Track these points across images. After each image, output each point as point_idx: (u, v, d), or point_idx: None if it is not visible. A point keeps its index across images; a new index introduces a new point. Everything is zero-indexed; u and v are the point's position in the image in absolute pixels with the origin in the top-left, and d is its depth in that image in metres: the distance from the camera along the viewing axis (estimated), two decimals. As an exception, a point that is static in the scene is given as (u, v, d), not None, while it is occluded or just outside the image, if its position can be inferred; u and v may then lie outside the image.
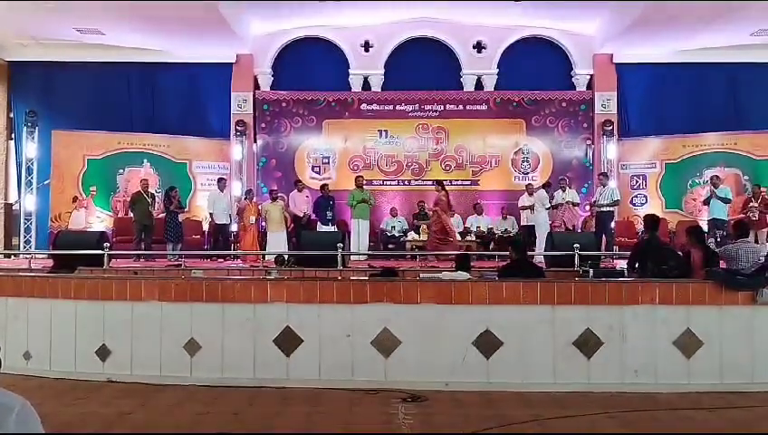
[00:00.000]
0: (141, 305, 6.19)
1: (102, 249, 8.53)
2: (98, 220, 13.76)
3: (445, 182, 14.81)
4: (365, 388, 5.74)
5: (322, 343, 5.96)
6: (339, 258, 8.16)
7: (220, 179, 13.48)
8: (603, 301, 5.91)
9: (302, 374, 5.91)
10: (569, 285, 6.10)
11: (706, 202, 12.29)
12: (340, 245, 8.32)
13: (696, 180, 14.05)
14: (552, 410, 5.25)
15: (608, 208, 12.57)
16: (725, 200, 11.88)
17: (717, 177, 12.38)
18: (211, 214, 13.20)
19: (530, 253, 8.10)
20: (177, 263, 9.92)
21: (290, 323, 5.98)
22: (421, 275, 6.99)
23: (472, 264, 7.72)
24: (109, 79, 14.65)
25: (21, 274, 7.45)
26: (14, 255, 12.75)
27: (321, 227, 12.99)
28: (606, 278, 6.96)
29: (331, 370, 5.91)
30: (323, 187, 13.53)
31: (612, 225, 13.32)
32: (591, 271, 7.49)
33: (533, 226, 12.78)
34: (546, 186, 13.29)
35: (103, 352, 6.20)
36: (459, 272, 6.66)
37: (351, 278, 6.60)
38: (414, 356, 5.88)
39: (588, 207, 13.51)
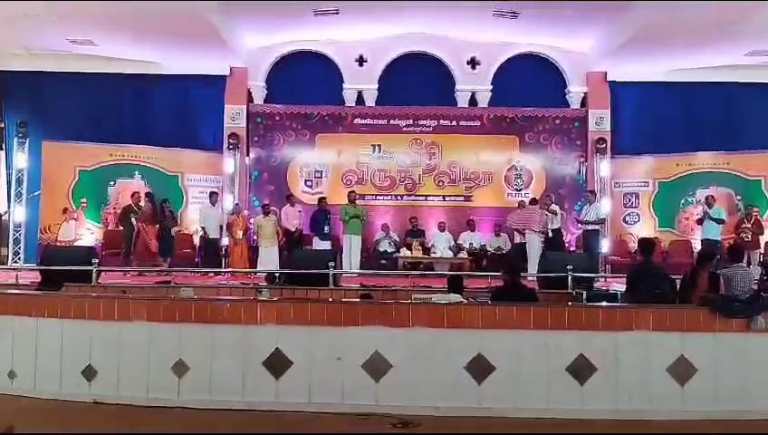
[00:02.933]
0: (129, 325, 6.10)
1: (91, 265, 8.42)
2: (88, 232, 13.67)
3: (438, 198, 14.92)
4: (355, 412, 5.67)
5: (312, 365, 5.88)
6: (330, 277, 8.08)
7: (212, 193, 13.42)
8: (597, 326, 5.86)
9: (291, 398, 5.82)
10: (562, 310, 6.04)
11: (700, 222, 12.30)
12: (331, 263, 8.25)
13: (689, 199, 14.07)
14: (545, 437, 5.21)
15: (593, 227, 12.58)
16: (719, 221, 11.89)
17: (712, 197, 12.41)
18: (203, 228, 13.17)
19: (522, 274, 8.02)
20: (166, 279, 9.83)
21: (280, 345, 5.91)
22: (413, 297, 6.91)
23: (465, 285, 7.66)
24: (101, 90, 14.53)
25: (7, 291, 7.33)
26: (2, 268, 12.61)
27: (318, 243, 12.91)
28: (600, 302, 6.90)
29: (321, 393, 5.83)
30: (321, 200, 13.46)
31: (602, 243, 13.35)
32: (585, 293, 7.43)
33: (526, 243, 12.72)
34: (533, 202, 13.26)
35: (89, 373, 6.10)
36: (451, 295, 6.60)
37: (343, 300, 6.53)
38: (405, 380, 5.81)
39: (579, 225, 13.48)
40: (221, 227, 13.34)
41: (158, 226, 12.31)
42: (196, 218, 13.81)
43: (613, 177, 14.60)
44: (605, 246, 13.81)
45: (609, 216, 14.22)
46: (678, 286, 6.80)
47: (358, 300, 6.83)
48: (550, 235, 12.53)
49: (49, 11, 11.60)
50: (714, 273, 6.41)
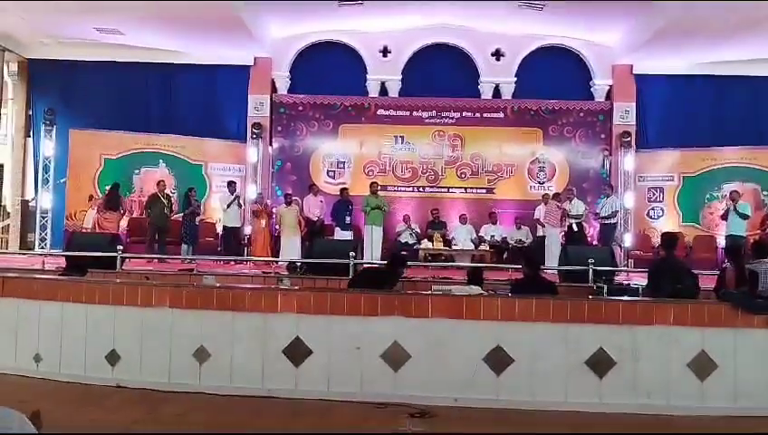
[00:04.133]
0: (152, 311, 6.18)
1: (115, 252, 8.55)
2: (113, 220, 13.83)
3: (460, 190, 14.89)
4: (374, 401, 5.70)
5: (332, 354, 5.93)
6: (351, 268, 8.13)
7: (230, 183, 13.48)
8: (617, 320, 5.83)
9: (310, 386, 5.88)
10: (582, 303, 6.03)
11: (725, 217, 12.15)
12: (352, 254, 8.30)
13: (714, 194, 13.93)
14: (563, 429, 5.21)
15: (608, 220, 12.49)
16: (744, 216, 11.73)
17: (737, 192, 12.24)
18: (226, 210, 13.25)
19: (543, 267, 8.02)
20: (189, 267, 9.95)
21: (300, 333, 5.96)
22: (433, 288, 6.93)
23: (485, 277, 7.69)
24: (126, 79, 14.76)
25: (34, 275, 7.47)
26: (29, 253, 12.84)
27: (339, 233, 12.96)
28: (620, 296, 6.88)
29: (340, 382, 5.88)
30: (343, 190, 13.52)
31: (624, 237, 13.27)
32: (606, 287, 7.41)
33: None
34: (555, 196, 13.16)
35: (113, 358, 6.20)
36: (471, 286, 6.62)
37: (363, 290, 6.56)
38: (423, 371, 5.83)
39: (596, 219, 13.40)
40: (241, 216, 13.43)
41: (120, 213, 12.75)
42: (218, 207, 13.91)
43: (637, 171, 14.50)
44: (628, 240, 13.73)
45: (633, 210, 14.13)
46: (717, 282, 6.74)
47: (377, 291, 6.85)
48: (575, 229, 12.47)
49: (83, 10, 11.78)
50: (750, 269, 6.34)
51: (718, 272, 7.04)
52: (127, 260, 9.60)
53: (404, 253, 12.78)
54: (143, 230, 12.81)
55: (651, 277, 6.86)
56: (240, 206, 13.24)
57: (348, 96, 15.04)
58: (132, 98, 14.88)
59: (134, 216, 13.86)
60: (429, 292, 6.61)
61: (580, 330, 5.82)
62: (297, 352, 5.94)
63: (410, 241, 13.84)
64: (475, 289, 6.53)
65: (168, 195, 12.97)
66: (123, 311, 6.27)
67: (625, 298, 6.68)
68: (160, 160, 14.30)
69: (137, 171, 14.19)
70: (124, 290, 6.40)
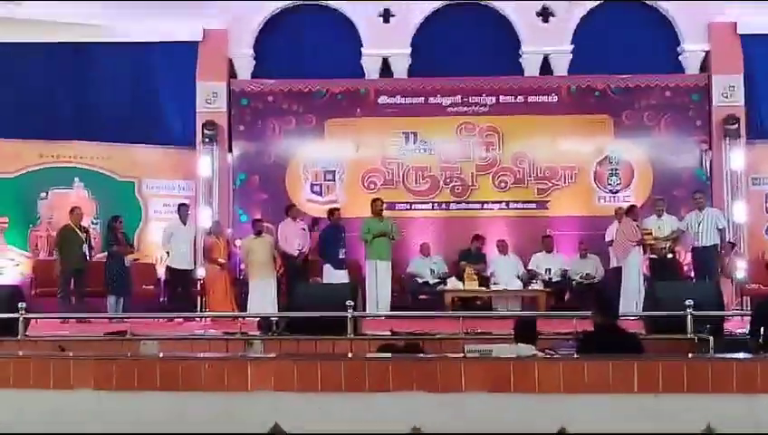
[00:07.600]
0: (70, 396, 6.16)
1: (16, 310, 8.55)
2: (11, 264, 13.86)
3: (499, 205, 14.88)
4: None
5: (326, 448, 5.91)
6: (349, 322, 8.12)
7: (182, 205, 13.50)
8: (730, 387, 5.80)
9: (297, 494, 5.86)
10: (679, 364, 6.00)
11: None
12: (350, 302, 8.29)
13: None
14: None
15: (709, 243, 12.41)
16: None
17: None
18: (168, 253, 13.27)
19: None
20: (120, 328, 9.94)
21: (279, 420, 5.94)
22: (466, 348, 6.90)
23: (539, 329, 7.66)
24: (27, 66, 14.75)
25: None
26: None
27: (330, 272, 12.92)
28: (733, 353, 6.85)
29: (340, 488, 5.86)
30: (333, 212, 13.51)
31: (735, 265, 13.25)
32: (712, 339, 7.38)
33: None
34: (630, 211, 13.07)
35: (17, 462, 6.19)
36: (520, 344, 6.60)
37: (368, 355, 6.54)
38: (457, 468, 5.82)
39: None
40: (195, 253, 13.44)
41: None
42: (159, 242, 13.91)
43: (749, 170, 14.47)
44: (740, 269, 13.67)
45: (745, 226, 14.08)
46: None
47: (388, 355, 6.86)
48: (669, 256, 12.46)
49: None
50: None
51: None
52: (32, 321, 9.58)
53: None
54: (53, 278, 12.79)
55: (755, 321, 6.83)
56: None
57: (336, 79, 15.11)
58: (34, 92, 14.84)
59: (40, 258, 13.86)
60: (461, 354, 6.59)
61: (678, 402, 5.78)
62: (277, 446, 5.93)
63: (431, 280, 13.80)
64: (526, 348, 6.51)
65: (85, 227, 12.97)
66: (29, 396, 6.24)
67: (740, 355, 6.65)
68: (75, 178, 14.32)
69: (43, 195, 14.22)
70: (30, 366, 6.39)
